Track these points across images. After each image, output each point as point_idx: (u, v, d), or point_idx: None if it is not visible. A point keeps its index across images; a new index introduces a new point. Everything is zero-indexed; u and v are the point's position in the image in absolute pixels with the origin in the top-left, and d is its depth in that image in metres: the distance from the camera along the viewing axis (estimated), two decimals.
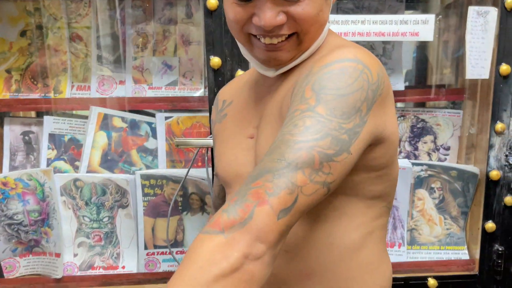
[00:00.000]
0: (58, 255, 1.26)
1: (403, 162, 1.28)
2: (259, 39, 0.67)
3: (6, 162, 1.30)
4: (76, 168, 1.30)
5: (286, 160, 0.54)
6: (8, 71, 1.29)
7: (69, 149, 1.31)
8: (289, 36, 0.67)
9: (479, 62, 1.09)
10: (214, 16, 1.06)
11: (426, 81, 1.44)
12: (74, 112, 1.33)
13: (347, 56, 0.61)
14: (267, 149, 0.63)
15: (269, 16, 0.63)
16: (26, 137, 1.32)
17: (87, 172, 1.27)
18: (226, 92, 0.87)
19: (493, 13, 1.08)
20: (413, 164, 1.30)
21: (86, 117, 1.29)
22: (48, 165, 1.29)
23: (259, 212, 0.52)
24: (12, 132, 1.31)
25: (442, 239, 1.33)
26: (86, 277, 1.27)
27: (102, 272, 1.29)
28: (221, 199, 0.93)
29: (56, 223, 1.25)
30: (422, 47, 1.53)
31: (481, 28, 1.08)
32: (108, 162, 1.29)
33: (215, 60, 1.07)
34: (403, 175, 1.27)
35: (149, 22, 1.28)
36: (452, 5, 1.31)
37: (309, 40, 0.68)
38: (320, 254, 0.70)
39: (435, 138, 1.37)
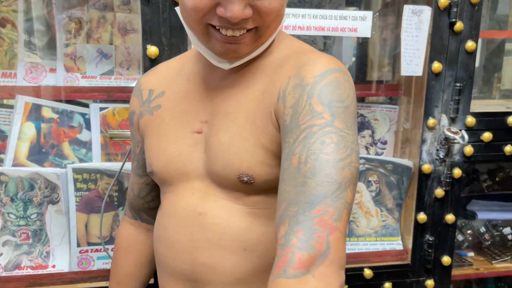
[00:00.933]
0: None
1: None
2: (218, 30, 0.64)
3: None
4: (0, 162, 1.21)
5: (336, 182, 0.56)
6: None
7: None
8: (250, 29, 0.65)
9: (413, 60, 1.12)
10: (151, 4, 1.01)
11: (366, 77, 1.47)
12: None
13: (331, 66, 0.64)
14: (222, 145, 0.66)
15: (238, 8, 0.61)
16: None
17: (13, 165, 1.18)
18: (152, 81, 0.82)
19: (427, 12, 1.11)
20: None
21: (12, 107, 1.20)
22: None
23: (334, 241, 0.54)
24: None
25: (378, 230, 1.37)
26: (12, 278, 1.18)
27: (30, 272, 1.21)
28: (142, 199, 0.89)
29: None
30: (362, 43, 1.56)
31: (415, 26, 1.11)
32: (37, 155, 1.21)
33: (152, 50, 1.03)
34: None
35: (82, 8, 1.20)
36: (390, 3, 1.35)
37: (268, 35, 0.67)
38: (273, 249, 0.71)
39: (373, 132, 1.40)
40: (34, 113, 1.19)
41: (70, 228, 1.21)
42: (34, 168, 1.18)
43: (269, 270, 0.69)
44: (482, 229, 1.50)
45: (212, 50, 0.68)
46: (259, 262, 0.72)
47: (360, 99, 1.47)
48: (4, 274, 1.19)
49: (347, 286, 1.25)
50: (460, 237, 1.49)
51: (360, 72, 1.60)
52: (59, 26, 1.20)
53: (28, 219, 1.20)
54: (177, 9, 0.71)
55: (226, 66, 0.70)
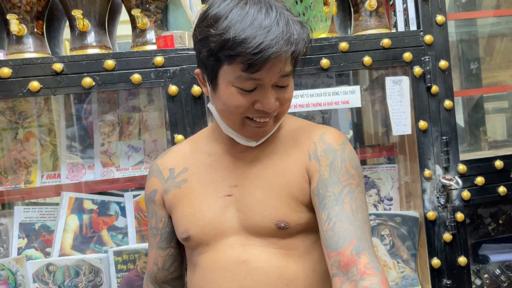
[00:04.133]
0: None
1: None
2: (252, 119, 0.84)
3: None
4: (47, 255, 1.34)
5: (370, 230, 0.84)
6: None
7: (40, 236, 1.35)
8: None
9: (401, 121, 1.30)
10: (175, 101, 1.22)
11: (364, 143, 1.65)
12: (44, 200, 1.40)
13: (343, 137, 0.91)
14: (258, 200, 0.85)
15: (272, 102, 0.81)
16: None
17: (59, 256, 1.31)
18: (170, 161, 0.98)
19: (405, 81, 1.32)
20: None
21: (56, 204, 1.36)
22: (19, 254, 1.32)
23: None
24: None
25: (398, 282, 1.45)
26: None
27: None
28: (166, 270, 1.00)
29: None
30: (357, 116, 1.77)
31: (398, 93, 1.31)
32: (79, 244, 1.34)
33: (179, 138, 1.21)
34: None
35: (114, 112, 1.42)
36: (375, 79, 1.56)
37: (283, 116, 0.89)
38: (312, 281, 0.86)
39: (379, 191, 1.54)
40: (77, 206, 1.35)
41: None
42: (80, 256, 1.31)
43: None
44: (497, 271, 1.57)
45: (243, 135, 0.88)
46: None
47: (362, 162, 1.63)
48: None
49: None
50: (478, 282, 1.56)
51: (358, 140, 1.78)
52: (96, 129, 1.40)
53: None
54: (210, 106, 0.90)
55: (253, 144, 0.90)
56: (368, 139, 1.62)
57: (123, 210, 1.39)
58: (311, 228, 0.86)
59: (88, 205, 1.36)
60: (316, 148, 0.88)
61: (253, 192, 0.87)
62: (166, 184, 0.96)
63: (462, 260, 1.34)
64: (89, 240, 1.35)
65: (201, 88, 0.90)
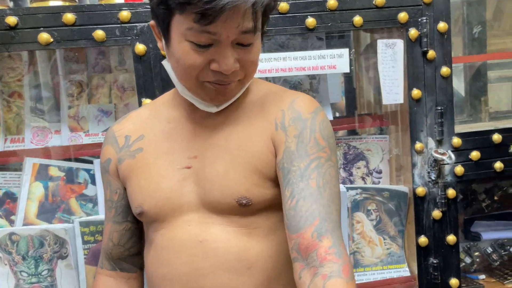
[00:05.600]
0: None
1: None
2: (210, 82, 0.74)
3: None
4: (12, 223, 1.26)
5: (340, 210, 0.73)
6: None
7: (4, 203, 1.27)
8: None
9: (393, 89, 1.19)
10: (143, 61, 1.11)
11: (357, 111, 1.54)
12: (8, 165, 1.31)
13: (316, 104, 0.80)
14: (219, 173, 0.77)
15: (230, 62, 0.71)
16: None
17: (24, 225, 1.24)
18: (126, 128, 0.88)
19: (399, 44, 1.19)
20: (348, 188, 1.36)
21: (21, 170, 1.27)
22: None
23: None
24: None
25: (384, 259, 1.38)
26: None
27: None
28: (122, 246, 0.91)
29: None
30: (349, 81, 1.65)
31: (390, 58, 1.19)
32: (45, 213, 1.26)
33: (147, 101, 1.11)
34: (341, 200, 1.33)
35: (83, 72, 1.31)
36: (370, 44, 1.44)
37: (248, 80, 0.79)
38: (276, 264, 0.79)
39: (367, 163, 1.45)
40: (42, 173, 1.26)
41: (80, 281, 1.24)
42: (43, 226, 1.23)
43: (271, 283, 0.78)
44: (489, 250, 1.50)
45: (202, 99, 0.78)
46: (262, 277, 0.77)
47: (352, 132, 1.53)
48: None
49: None
50: (468, 260, 1.49)
51: (350, 108, 1.67)
52: (63, 91, 1.29)
53: (40, 276, 1.24)
54: (165, 63, 0.79)
55: (214, 109, 0.80)
56: (360, 108, 1.51)
57: (92, 178, 1.30)
58: (277, 205, 0.77)
59: (54, 172, 1.28)
60: (284, 116, 0.78)
61: (214, 164, 0.78)
62: (121, 153, 0.87)
63: (451, 238, 1.26)
64: (56, 209, 1.28)
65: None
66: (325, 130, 0.77)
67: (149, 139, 0.84)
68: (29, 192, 1.25)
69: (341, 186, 1.36)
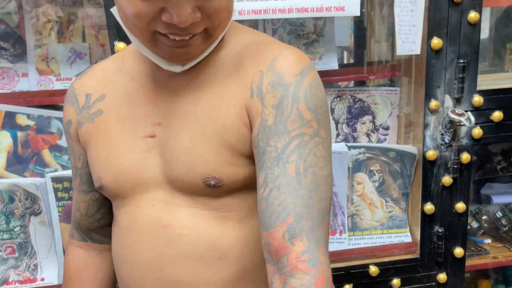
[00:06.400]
0: None
1: (339, 146, 1.21)
2: (165, 35, 0.58)
3: None
4: None
5: (329, 198, 0.60)
6: None
7: None
8: None
9: (409, 37, 1.02)
10: None
11: (366, 59, 1.37)
12: None
13: (305, 62, 0.62)
14: (184, 147, 0.63)
15: (186, 12, 0.54)
16: None
17: None
18: (88, 84, 0.73)
19: None
20: (350, 147, 1.23)
21: None
22: None
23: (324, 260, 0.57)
24: None
25: (384, 222, 1.28)
26: None
27: (18, 286, 1.16)
28: (91, 217, 0.80)
29: None
30: (359, 23, 1.46)
31: (410, 0, 1.00)
32: (16, 165, 1.15)
33: (120, 46, 0.94)
34: (340, 160, 1.20)
35: (51, 6, 1.13)
36: None
37: (218, 32, 0.62)
38: (255, 254, 0.67)
39: (374, 118, 1.30)
40: (9, 121, 1.13)
41: (55, 239, 1.15)
42: (11, 179, 1.12)
43: (247, 276, 0.67)
44: (499, 214, 1.39)
45: (160, 55, 0.62)
46: (236, 269, 0.66)
47: (359, 83, 1.37)
48: None
49: (352, 284, 1.17)
50: (474, 224, 1.39)
51: (358, 54, 1.50)
52: (28, 27, 1.13)
53: (12, 232, 1.15)
54: (113, 10, 0.63)
55: (178, 69, 0.64)
56: (370, 55, 1.34)
57: None
58: (255, 186, 0.63)
59: (22, 120, 1.14)
60: (262, 79, 0.61)
61: (179, 135, 0.64)
62: (80, 115, 0.73)
63: (460, 206, 1.14)
64: (27, 161, 1.16)
65: None
66: (313, 98, 0.60)
67: (111, 100, 0.70)
68: None
69: (342, 145, 1.22)
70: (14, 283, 1.16)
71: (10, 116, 1.13)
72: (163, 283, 0.66)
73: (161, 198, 0.66)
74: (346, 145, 1.23)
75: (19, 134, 1.14)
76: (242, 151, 0.62)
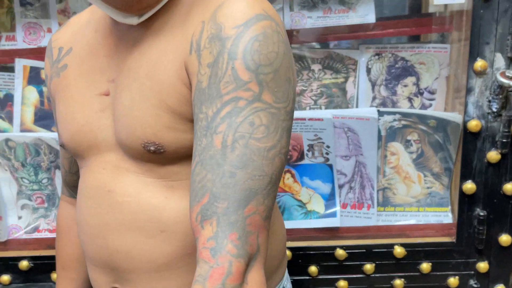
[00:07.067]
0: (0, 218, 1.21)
1: (367, 111, 1.08)
2: None
3: None
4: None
5: (267, 175, 0.50)
6: None
7: (6, 106, 1.21)
8: None
9: None
10: None
11: (405, 10, 1.19)
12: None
13: (256, 11, 0.51)
14: (125, 108, 0.56)
15: None
16: None
17: (21, 131, 1.18)
18: (63, 37, 0.70)
19: None
20: (383, 113, 1.09)
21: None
22: None
23: (262, 242, 0.50)
24: None
25: (422, 199, 1.14)
26: (32, 240, 1.21)
27: (47, 235, 1.23)
28: (74, 174, 0.79)
29: None
30: None
31: None
32: (44, 119, 1.19)
33: None
34: (368, 127, 1.07)
35: None
36: None
37: None
38: None
39: (418, 80, 1.14)
40: (34, 76, 1.16)
41: None
42: (36, 133, 1.16)
43: (195, 253, 0.60)
44: None
45: (112, 5, 0.56)
46: (182, 244, 0.61)
47: (401, 38, 1.19)
48: (24, 236, 1.23)
49: (374, 264, 1.07)
50: None
51: (400, 4, 1.30)
52: None
53: (40, 183, 1.20)
54: None
55: (134, 21, 0.58)
56: (412, 5, 1.15)
57: None
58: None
59: None
60: (202, 32, 0.52)
61: (123, 94, 0.59)
62: (52, 68, 0.70)
63: (509, 187, 0.97)
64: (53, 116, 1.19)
65: None
66: (255, 54, 0.49)
67: (75, 53, 0.66)
68: (23, 96, 1.17)
69: (372, 110, 1.09)
70: (44, 231, 1.23)
71: (35, 71, 1.15)
72: (107, 251, 0.63)
73: (112, 162, 0.62)
74: (379, 110, 1.09)
75: (45, 89, 1.17)
76: (185, 114, 0.55)
